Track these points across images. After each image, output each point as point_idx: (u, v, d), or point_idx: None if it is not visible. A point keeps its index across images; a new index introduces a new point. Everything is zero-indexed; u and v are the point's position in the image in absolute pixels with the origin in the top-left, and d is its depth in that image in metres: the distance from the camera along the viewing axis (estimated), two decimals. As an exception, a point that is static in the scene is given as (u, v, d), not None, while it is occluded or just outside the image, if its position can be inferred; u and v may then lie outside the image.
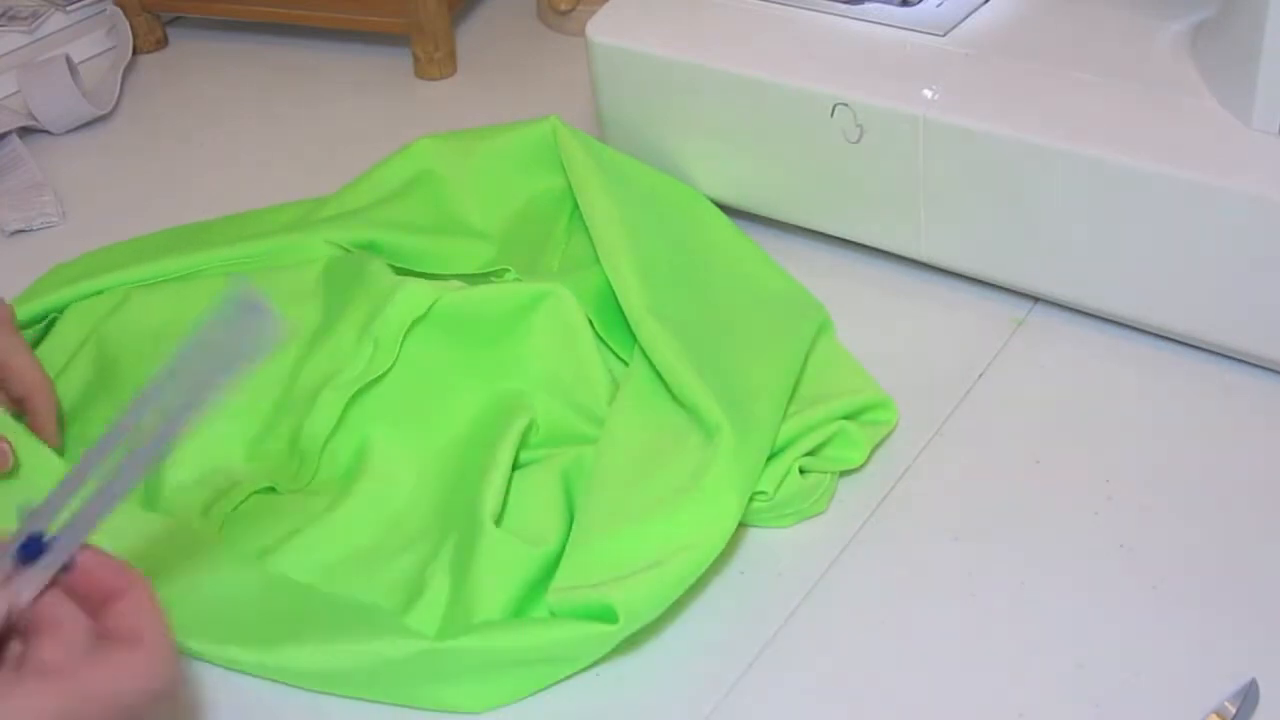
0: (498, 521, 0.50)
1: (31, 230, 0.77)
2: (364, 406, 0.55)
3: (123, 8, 0.93)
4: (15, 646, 0.39)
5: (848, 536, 0.52)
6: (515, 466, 0.53)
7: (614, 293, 0.58)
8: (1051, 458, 0.54)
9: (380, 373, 0.55)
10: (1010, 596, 0.49)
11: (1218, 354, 0.58)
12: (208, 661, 0.49)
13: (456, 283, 0.59)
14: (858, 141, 0.61)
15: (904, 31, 0.62)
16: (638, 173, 0.66)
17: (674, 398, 0.54)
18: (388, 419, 0.56)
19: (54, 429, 0.56)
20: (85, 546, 0.40)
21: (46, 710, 0.36)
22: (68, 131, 0.86)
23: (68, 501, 0.41)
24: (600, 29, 0.68)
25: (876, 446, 0.55)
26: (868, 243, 0.65)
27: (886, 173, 0.61)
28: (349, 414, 0.55)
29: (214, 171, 0.81)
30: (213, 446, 0.55)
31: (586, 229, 0.62)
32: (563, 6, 0.89)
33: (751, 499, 0.51)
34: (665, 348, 0.54)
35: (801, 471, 0.53)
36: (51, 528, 0.40)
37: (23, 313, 0.62)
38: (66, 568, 0.40)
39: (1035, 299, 0.62)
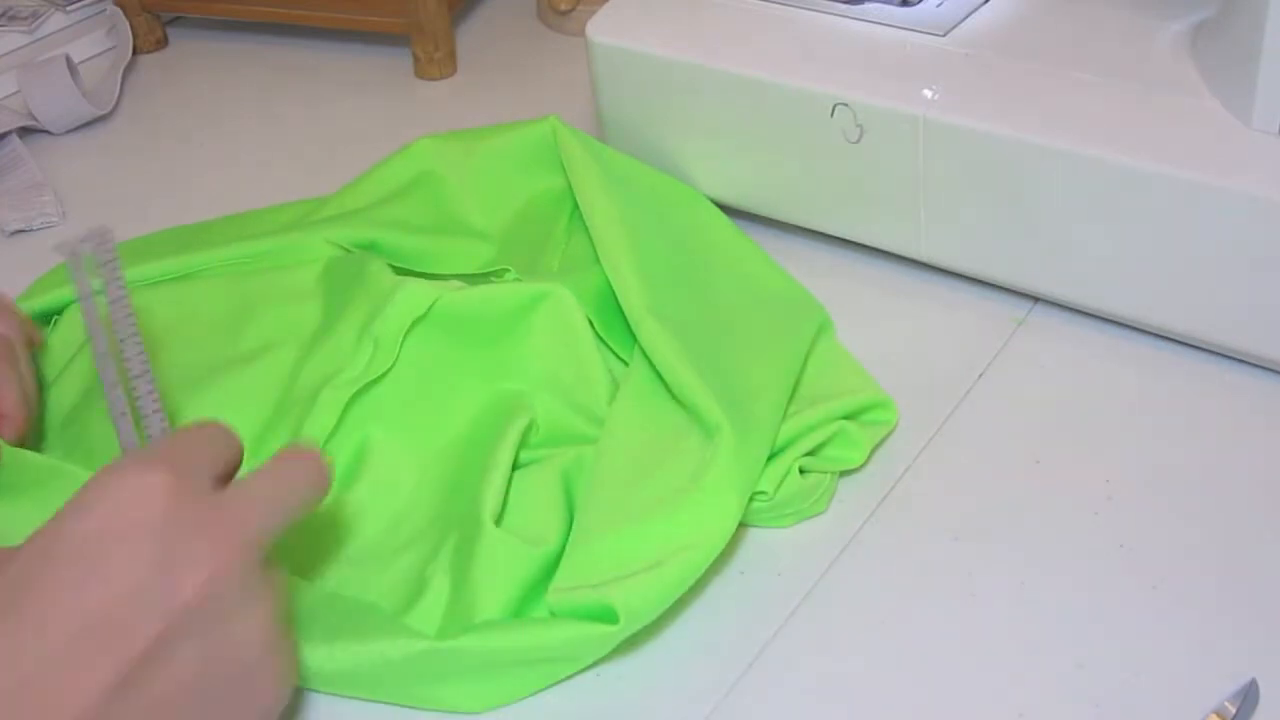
0: (498, 521, 0.50)
1: (31, 230, 0.77)
2: (364, 406, 0.55)
3: (123, 8, 0.93)
4: None
5: (848, 536, 0.52)
6: (515, 466, 0.53)
7: (614, 293, 0.58)
8: (1051, 458, 0.54)
9: (380, 373, 0.55)
10: (1010, 596, 0.49)
11: (1218, 354, 0.58)
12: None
13: (456, 283, 0.59)
14: (858, 141, 0.61)
15: (904, 31, 0.62)
16: (638, 173, 0.66)
17: (674, 398, 0.54)
18: (387, 419, 0.56)
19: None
20: None
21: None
22: (68, 131, 0.86)
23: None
24: (600, 29, 0.68)
25: (876, 446, 0.55)
26: (868, 243, 0.65)
27: (886, 173, 0.61)
28: (349, 414, 0.55)
29: (214, 171, 0.81)
30: None
31: (586, 229, 0.62)
32: (563, 6, 0.89)
33: (751, 499, 0.51)
34: (665, 348, 0.54)
35: (801, 471, 0.53)
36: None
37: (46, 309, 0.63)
38: None
39: (1035, 299, 0.62)
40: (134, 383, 0.50)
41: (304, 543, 0.52)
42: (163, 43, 0.95)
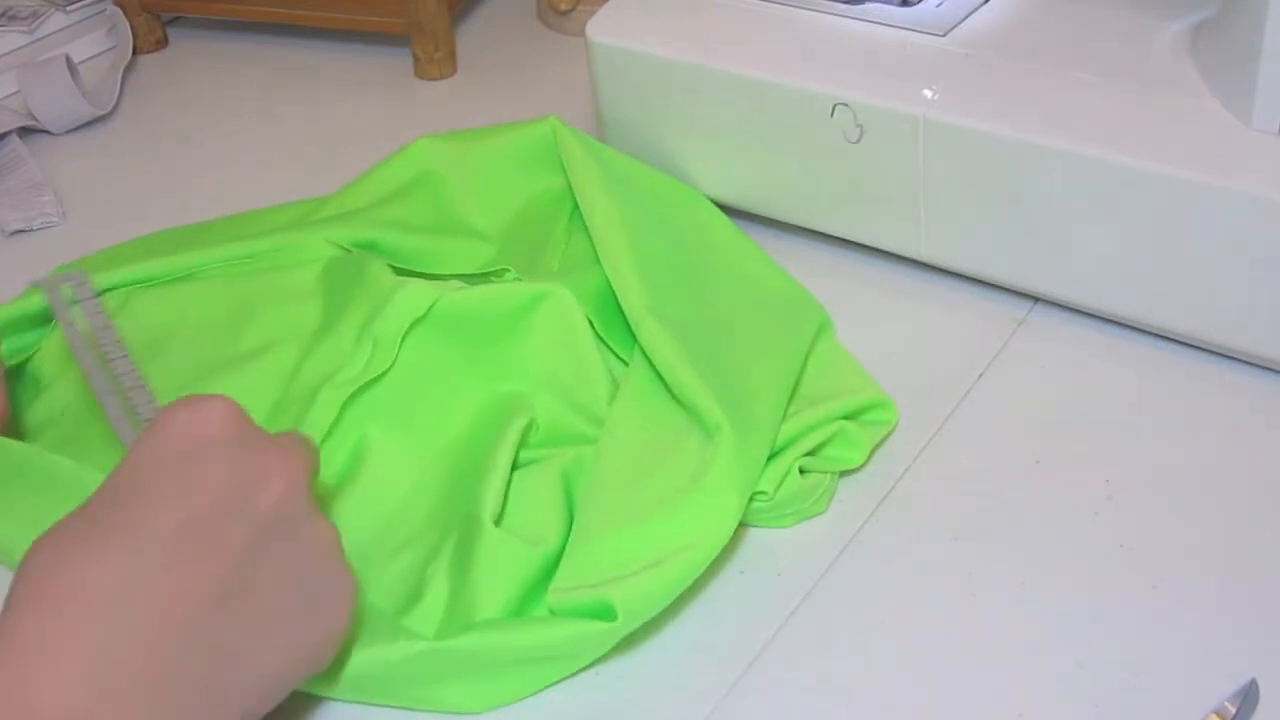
0: (498, 521, 0.50)
1: (31, 230, 0.77)
2: (362, 406, 0.55)
3: (123, 8, 0.93)
4: None
5: (848, 536, 0.52)
6: (515, 466, 0.53)
7: (614, 293, 0.58)
8: (1051, 458, 0.54)
9: (379, 372, 0.55)
10: (1010, 596, 0.49)
11: (1218, 354, 0.58)
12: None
13: (457, 283, 0.59)
14: (858, 141, 0.61)
15: (904, 31, 0.62)
16: (638, 173, 0.66)
17: (674, 398, 0.54)
18: (386, 418, 0.56)
19: None
20: None
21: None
22: (68, 131, 0.86)
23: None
24: (600, 29, 0.68)
25: (876, 446, 0.55)
26: (868, 243, 0.65)
27: (886, 173, 0.61)
28: (346, 413, 0.55)
29: (214, 171, 0.81)
30: None
31: (586, 229, 0.62)
32: (563, 6, 0.89)
33: (752, 499, 0.51)
34: (665, 348, 0.54)
35: (801, 471, 0.53)
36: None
37: (21, 315, 0.62)
38: None
39: (1035, 299, 0.62)
40: (130, 394, 0.52)
41: None
42: (163, 43, 0.95)
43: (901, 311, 0.63)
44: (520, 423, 0.54)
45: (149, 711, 0.36)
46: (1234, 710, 0.44)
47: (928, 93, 0.59)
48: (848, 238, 0.65)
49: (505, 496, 0.51)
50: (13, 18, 0.96)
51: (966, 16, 0.62)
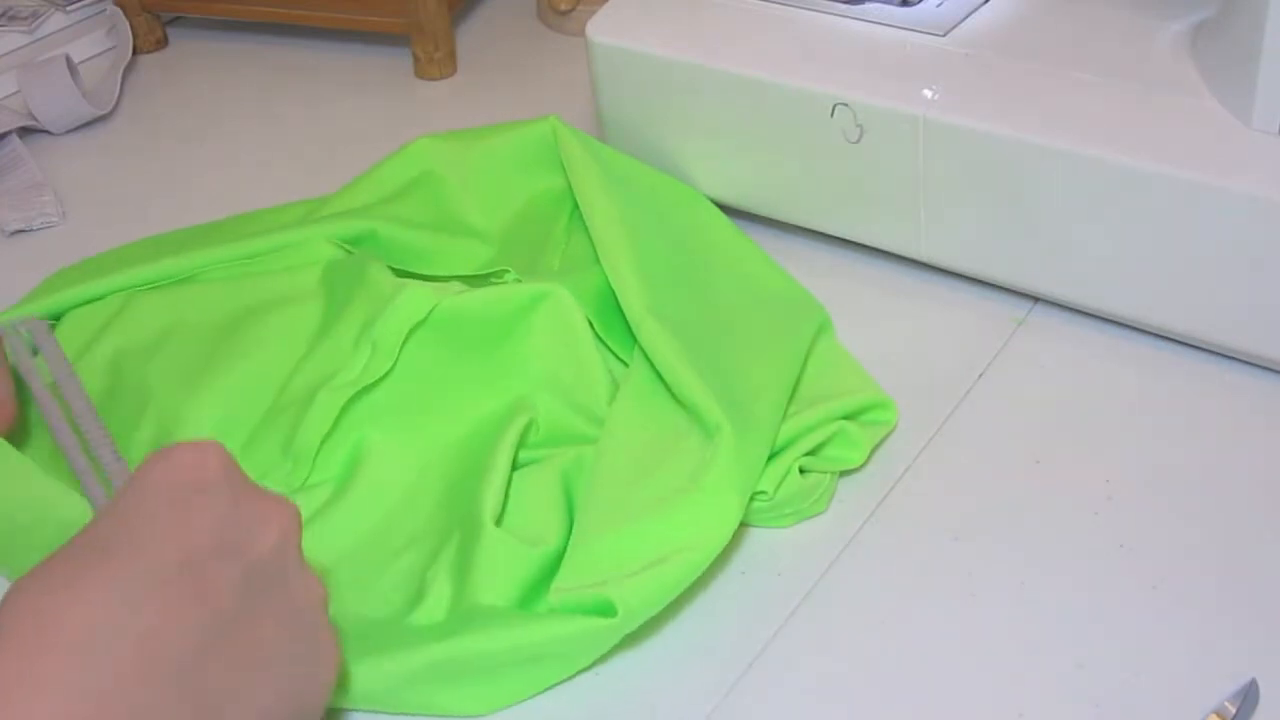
0: (498, 522, 0.50)
1: (31, 230, 0.77)
2: (361, 409, 0.55)
3: (123, 8, 0.93)
4: None
5: (848, 536, 0.52)
6: (515, 466, 0.53)
7: (614, 293, 0.58)
8: (1051, 458, 0.54)
9: (378, 376, 0.55)
10: (1010, 596, 0.49)
11: (1218, 354, 0.58)
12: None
13: (457, 285, 0.59)
14: (858, 141, 0.61)
15: (904, 31, 0.62)
16: (638, 173, 0.66)
17: (674, 398, 0.54)
18: (385, 422, 0.56)
19: None
20: None
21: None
22: (68, 131, 0.86)
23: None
24: (600, 29, 0.68)
25: (876, 446, 0.55)
26: (868, 243, 0.65)
27: (886, 173, 0.61)
28: (346, 416, 0.55)
29: (214, 171, 0.81)
30: None
31: (586, 229, 0.62)
32: (563, 6, 0.89)
33: (752, 499, 0.51)
34: (665, 348, 0.54)
35: (801, 471, 0.53)
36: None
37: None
38: None
39: (1035, 299, 0.62)
40: (96, 450, 0.52)
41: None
42: (163, 43, 0.95)
43: (901, 311, 0.63)
44: (520, 423, 0.54)
45: None
46: (1234, 710, 0.44)
47: (928, 93, 0.59)
48: (848, 238, 0.65)
49: (505, 497, 0.51)
50: (13, 18, 0.96)
51: (966, 16, 0.62)
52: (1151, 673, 0.46)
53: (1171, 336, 0.58)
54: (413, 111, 0.84)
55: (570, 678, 0.48)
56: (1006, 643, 0.47)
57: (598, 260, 0.60)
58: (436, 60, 0.87)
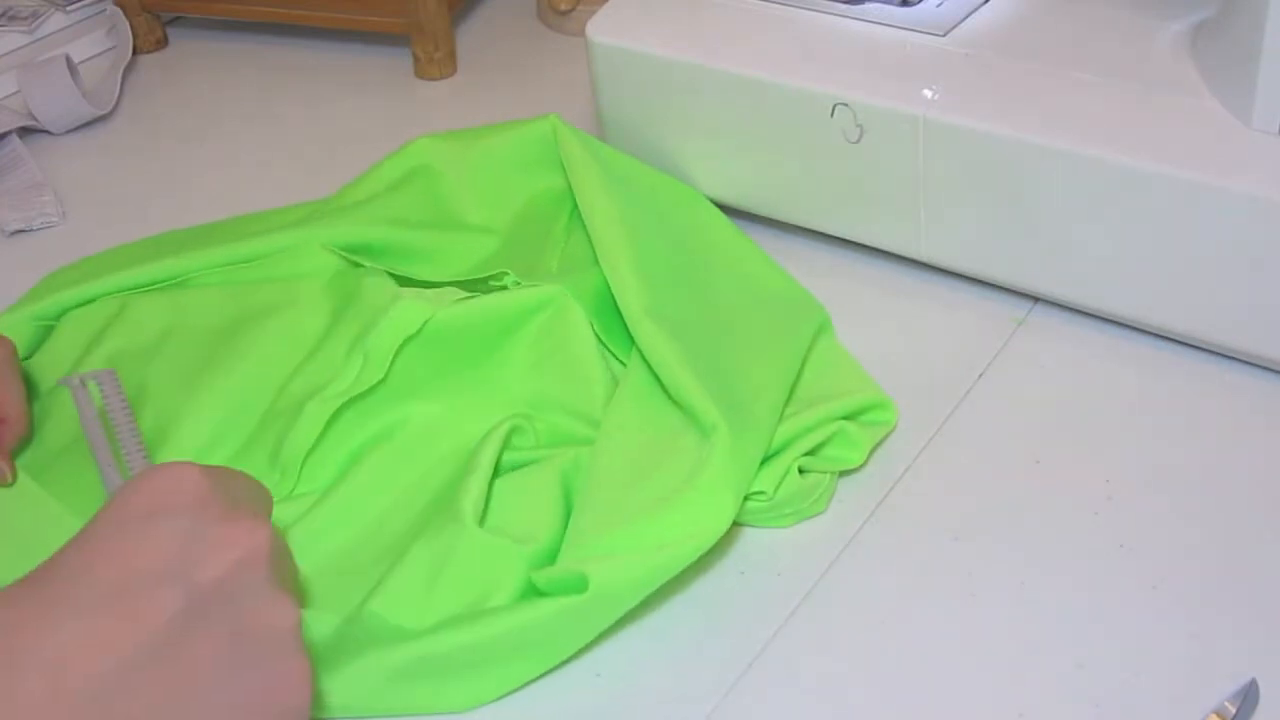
0: (481, 522, 0.50)
1: (31, 230, 0.77)
2: (352, 420, 0.55)
3: (123, 8, 0.93)
4: None
5: (848, 536, 0.52)
6: (514, 467, 0.53)
7: (613, 293, 0.58)
8: (1051, 458, 0.54)
9: (368, 386, 0.55)
10: (1010, 596, 0.49)
11: (1218, 354, 0.58)
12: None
13: (454, 292, 0.59)
14: (858, 141, 0.61)
15: (904, 31, 0.62)
16: (638, 173, 0.66)
17: (671, 399, 0.54)
18: (375, 432, 0.56)
19: (7, 460, 0.56)
20: None
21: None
22: (68, 131, 0.86)
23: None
24: (600, 29, 0.68)
25: (876, 447, 0.55)
26: (868, 243, 0.65)
27: (886, 173, 0.61)
28: (335, 426, 0.55)
29: (214, 171, 0.81)
30: (200, 456, 0.55)
31: (585, 229, 0.62)
32: (563, 6, 0.89)
33: (751, 499, 0.51)
34: (662, 349, 0.54)
35: (801, 471, 0.53)
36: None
37: (19, 319, 0.62)
38: None
39: (1035, 299, 0.62)
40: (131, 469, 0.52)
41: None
42: (163, 43, 0.95)
43: (901, 311, 0.63)
44: (504, 427, 0.54)
45: None
46: (1234, 710, 0.44)
47: (928, 93, 0.59)
48: (848, 238, 0.65)
49: (496, 498, 0.51)
50: (13, 18, 0.96)
51: (966, 16, 0.62)
52: (1151, 673, 0.46)
53: (1171, 336, 0.58)
54: (413, 111, 0.84)
55: (570, 678, 0.48)
56: (1006, 643, 0.47)
57: (597, 260, 0.60)
58: (436, 60, 0.87)
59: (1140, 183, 0.54)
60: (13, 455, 0.57)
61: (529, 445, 0.55)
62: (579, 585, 0.46)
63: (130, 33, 0.92)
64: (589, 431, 0.55)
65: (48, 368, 0.61)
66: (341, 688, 0.46)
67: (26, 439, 0.58)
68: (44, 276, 0.67)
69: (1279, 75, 0.52)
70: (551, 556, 0.49)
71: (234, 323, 0.61)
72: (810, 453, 0.53)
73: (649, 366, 0.55)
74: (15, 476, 0.56)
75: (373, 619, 0.48)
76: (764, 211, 0.67)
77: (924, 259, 0.63)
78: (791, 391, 0.55)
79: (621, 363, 0.58)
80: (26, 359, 0.62)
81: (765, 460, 0.52)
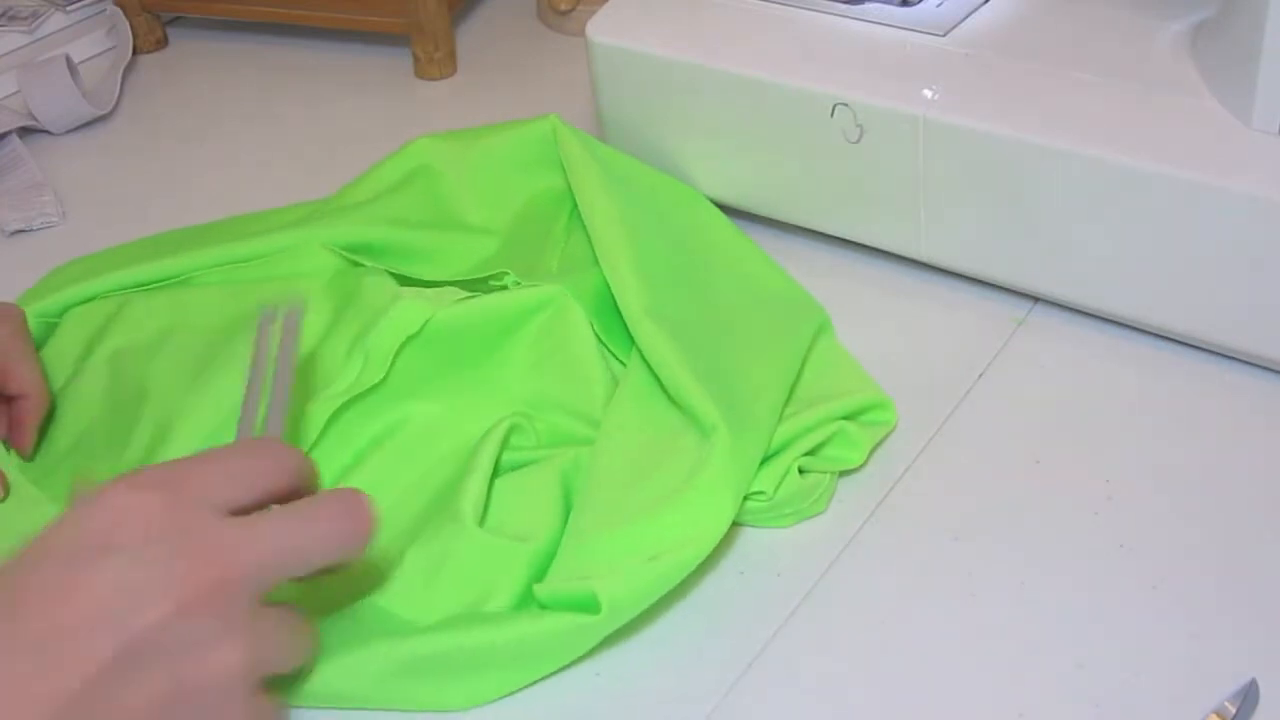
0: (481, 521, 0.50)
1: (31, 230, 0.77)
2: (349, 420, 0.55)
3: (123, 8, 0.93)
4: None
5: (848, 536, 0.52)
6: (515, 467, 0.53)
7: (613, 293, 0.58)
8: (1051, 458, 0.54)
9: (368, 386, 0.55)
10: (1010, 596, 0.49)
11: (1218, 354, 0.58)
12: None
13: (454, 292, 0.59)
14: (858, 141, 0.61)
15: (904, 31, 0.62)
16: (638, 173, 0.66)
17: (670, 399, 0.54)
18: (376, 433, 0.55)
19: (32, 437, 0.56)
20: None
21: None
22: (68, 131, 0.86)
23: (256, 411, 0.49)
24: (600, 29, 0.68)
25: (876, 447, 0.55)
26: (868, 243, 0.65)
27: (886, 173, 0.61)
28: (336, 427, 0.55)
29: (214, 171, 0.81)
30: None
31: (585, 229, 0.62)
32: (563, 6, 0.89)
33: (751, 499, 0.51)
34: (661, 349, 0.54)
35: (801, 471, 0.53)
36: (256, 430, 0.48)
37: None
38: None
39: (1035, 299, 0.62)
40: (270, 410, 0.50)
41: None
42: (163, 43, 0.95)
43: (901, 311, 0.63)
44: (503, 427, 0.54)
45: None
46: (1234, 710, 0.44)
47: (928, 93, 0.59)
48: (848, 238, 0.65)
49: (497, 497, 0.51)
50: (13, 18, 0.96)
51: (966, 16, 0.62)
52: (1151, 673, 0.46)
53: (1171, 336, 0.58)
54: (413, 111, 0.84)
55: (571, 677, 0.48)
56: (1006, 643, 0.47)
57: (597, 260, 0.60)
58: (436, 60, 0.87)
59: (1140, 183, 0.54)
60: (37, 430, 0.57)
61: (529, 445, 0.55)
62: (588, 604, 0.46)
63: (130, 33, 0.92)
64: (589, 431, 0.55)
65: (49, 366, 0.61)
66: (340, 677, 0.46)
67: (49, 412, 0.58)
68: (44, 275, 0.67)
69: (1279, 75, 0.52)
70: (551, 556, 0.49)
71: (235, 321, 0.61)
72: (810, 453, 0.53)
73: (649, 366, 0.55)
74: (8, 491, 0.55)
75: (374, 612, 0.48)
76: (764, 211, 0.67)
77: (924, 259, 0.63)
78: (791, 391, 0.55)
79: (621, 363, 0.58)
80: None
81: (765, 460, 0.52)
